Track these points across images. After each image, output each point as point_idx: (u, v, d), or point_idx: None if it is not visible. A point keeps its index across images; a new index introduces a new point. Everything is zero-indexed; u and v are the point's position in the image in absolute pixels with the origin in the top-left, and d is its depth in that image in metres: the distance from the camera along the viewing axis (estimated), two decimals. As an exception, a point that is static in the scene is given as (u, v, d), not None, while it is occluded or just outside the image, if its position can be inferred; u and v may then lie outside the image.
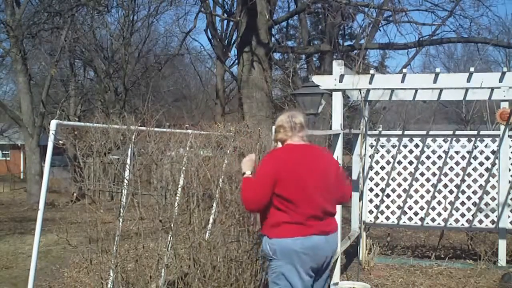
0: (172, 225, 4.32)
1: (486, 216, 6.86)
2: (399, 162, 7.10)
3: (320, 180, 3.26)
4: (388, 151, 7.13)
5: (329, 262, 3.33)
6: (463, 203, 6.95)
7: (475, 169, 6.92)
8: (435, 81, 5.46)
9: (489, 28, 14.93)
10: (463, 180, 6.94)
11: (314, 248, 3.16)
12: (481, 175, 6.91)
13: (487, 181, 6.87)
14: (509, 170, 6.71)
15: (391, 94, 6.93)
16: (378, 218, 7.16)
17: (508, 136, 6.70)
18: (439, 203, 6.99)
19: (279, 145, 3.48)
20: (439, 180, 6.98)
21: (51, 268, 7.50)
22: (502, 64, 25.55)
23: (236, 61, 15.58)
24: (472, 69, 5.46)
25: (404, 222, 7.08)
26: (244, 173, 3.42)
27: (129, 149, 4.48)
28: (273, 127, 3.52)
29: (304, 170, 3.23)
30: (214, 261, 4.45)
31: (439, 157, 7.00)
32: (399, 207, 7.09)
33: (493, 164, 6.83)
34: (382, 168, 7.16)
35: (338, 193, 3.40)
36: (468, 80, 5.42)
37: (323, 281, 3.37)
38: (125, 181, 4.41)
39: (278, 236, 3.17)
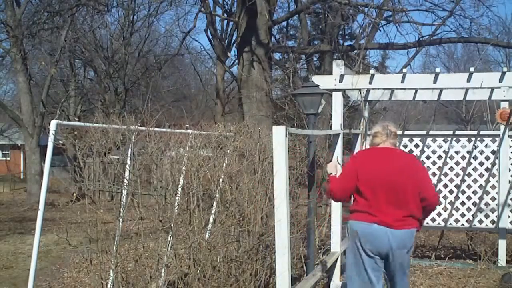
0: (172, 225, 4.32)
1: (486, 216, 6.86)
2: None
3: (392, 180, 3.69)
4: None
5: (397, 254, 3.69)
6: (463, 203, 6.94)
7: (475, 169, 6.92)
8: (435, 81, 5.46)
9: (489, 28, 14.94)
10: (463, 180, 6.93)
11: (373, 235, 3.69)
12: (481, 175, 6.90)
13: (487, 181, 6.87)
14: (509, 170, 6.71)
15: (391, 94, 6.92)
16: (378, 218, 7.15)
17: (508, 136, 6.70)
18: (439, 203, 6.98)
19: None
20: (439, 180, 6.98)
21: (51, 268, 7.50)
22: (502, 64, 25.56)
23: (236, 61, 15.58)
24: (472, 69, 5.46)
25: (404, 222, 7.08)
26: (330, 174, 4.13)
27: (129, 149, 4.48)
28: (372, 132, 4.04)
29: (379, 169, 3.74)
30: (214, 261, 4.45)
31: (439, 157, 7.00)
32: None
33: (493, 164, 6.83)
34: (382, 168, 7.15)
35: (418, 196, 3.71)
36: (468, 80, 5.41)
37: (395, 269, 3.76)
38: (125, 181, 4.41)
39: (350, 219, 3.87)
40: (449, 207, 6.96)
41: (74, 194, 15.90)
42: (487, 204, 6.85)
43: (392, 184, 3.69)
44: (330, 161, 4.93)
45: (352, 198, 3.88)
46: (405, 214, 3.68)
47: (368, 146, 7.05)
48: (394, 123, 4.11)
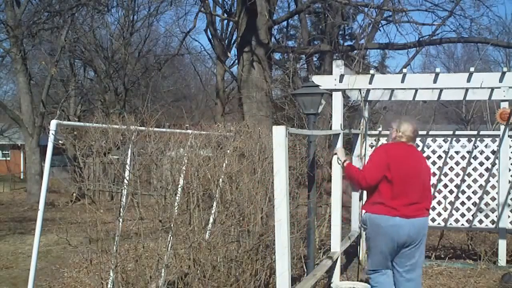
0: (172, 225, 4.32)
1: (486, 216, 6.86)
2: (399, 162, 7.09)
3: (417, 176, 4.12)
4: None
5: (416, 240, 4.12)
6: (463, 203, 6.94)
7: (475, 169, 6.92)
8: (435, 81, 5.46)
9: (489, 28, 14.92)
10: (463, 180, 6.93)
11: (395, 227, 4.02)
12: (481, 175, 6.90)
13: (487, 181, 6.87)
14: (509, 170, 6.71)
15: (391, 94, 6.92)
16: (378, 218, 7.14)
17: (508, 136, 6.70)
18: (439, 203, 6.99)
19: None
20: (439, 180, 6.98)
21: (51, 268, 7.50)
22: (502, 64, 25.57)
23: (236, 61, 15.57)
24: (472, 69, 5.45)
25: (404, 222, 7.07)
26: (345, 161, 4.53)
27: (129, 149, 4.48)
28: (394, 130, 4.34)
29: (407, 164, 4.11)
30: (214, 261, 4.45)
31: (439, 157, 7.00)
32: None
33: (493, 164, 6.83)
34: (382, 168, 7.14)
35: (429, 193, 4.31)
36: (468, 80, 5.41)
37: (413, 253, 4.19)
38: (125, 181, 4.41)
39: (371, 212, 4.16)
40: (449, 207, 6.96)
41: (74, 194, 15.92)
42: (487, 204, 6.85)
43: (421, 180, 4.14)
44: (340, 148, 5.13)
45: (375, 188, 4.15)
46: (425, 207, 4.20)
47: (366, 143, 7.07)
48: (415, 122, 4.52)
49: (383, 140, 7.16)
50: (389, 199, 4.04)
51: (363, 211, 4.37)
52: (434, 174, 7.01)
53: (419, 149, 7.05)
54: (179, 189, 4.70)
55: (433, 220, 7.00)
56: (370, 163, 4.35)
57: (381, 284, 4.34)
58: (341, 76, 5.68)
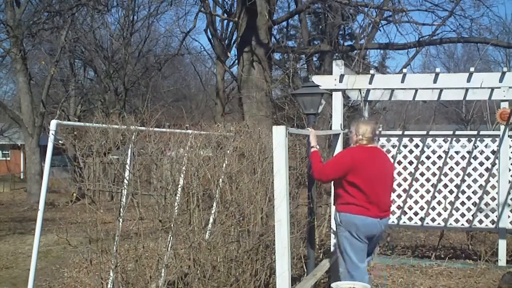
0: (172, 225, 4.32)
1: (486, 216, 6.86)
2: (399, 162, 7.10)
3: (383, 177, 4.38)
4: (388, 151, 7.12)
5: (380, 235, 4.58)
6: (463, 203, 6.94)
7: (475, 169, 6.91)
8: (435, 81, 5.46)
9: (490, 28, 14.92)
10: (463, 180, 6.93)
11: (368, 225, 4.31)
12: (481, 175, 6.90)
13: (487, 181, 6.86)
14: (509, 170, 6.71)
15: (391, 94, 6.92)
16: (378, 218, 7.13)
17: (508, 136, 6.69)
18: (439, 203, 6.98)
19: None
20: (439, 180, 6.97)
21: (51, 268, 7.51)
22: (502, 64, 25.59)
23: (236, 61, 15.57)
24: (472, 69, 5.45)
25: (404, 222, 7.08)
26: (313, 146, 4.58)
27: (129, 149, 4.48)
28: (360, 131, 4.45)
29: (374, 167, 4.30)
30: (214, 261, 4.45)
31: (439, 157, 6.99)
32: (399, 207, 7.09)
33: (493, 164, 6.82)
34: (382, 168, 7.13)
35: (391, 191, 4.71)
36: (468, 80, 5.41)
37: (373, 244, 4.63)
38: (125, 181, 4.41)
39: (345, 211, 4.34)
40: (449, 207, 6.95)
41: (74, 194, 15.93)
42: (487, 204, 6.84)
43: (387, 181, 4.45)
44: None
45: (343, 191, 4.36)
46: (389, 205, 4.55)
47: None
48: (375, 123, 4.85)
49: (383, 140, 7.16)
50: (361, 201, 4.27)
51: (336, 210, 4.53)
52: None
53: (419, 149, 7.06)
54: (179, 189, 4.70)
55: (433, 220, 7.00)
56: (332, 162, 4.56)
57: (361, 272, 4.47)
58: (341, 76, 5.68)
